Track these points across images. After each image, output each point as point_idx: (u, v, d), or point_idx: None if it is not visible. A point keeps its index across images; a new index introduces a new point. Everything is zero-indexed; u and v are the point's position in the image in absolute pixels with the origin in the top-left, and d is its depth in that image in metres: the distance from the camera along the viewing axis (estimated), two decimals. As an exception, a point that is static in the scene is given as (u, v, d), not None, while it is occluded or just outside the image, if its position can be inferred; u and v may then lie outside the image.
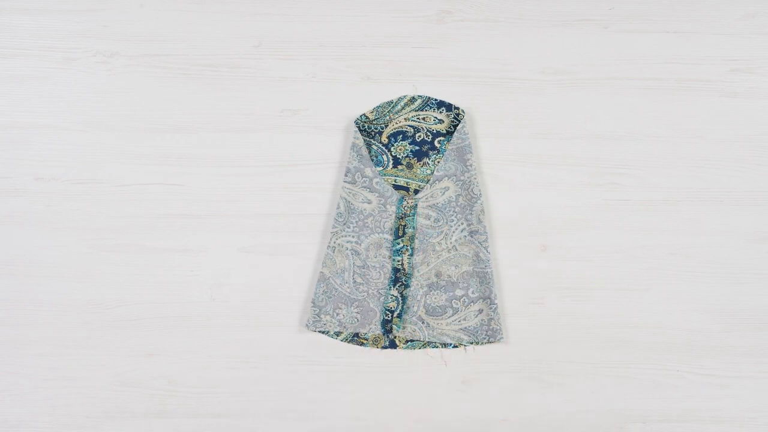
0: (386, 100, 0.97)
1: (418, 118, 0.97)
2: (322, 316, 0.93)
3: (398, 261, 0.94)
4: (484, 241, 0.93)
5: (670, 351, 0.94)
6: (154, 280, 0.95)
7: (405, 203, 0.94)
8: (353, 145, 0.95)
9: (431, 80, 0.99)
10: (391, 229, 0.95)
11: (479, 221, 0.94)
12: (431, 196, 0.95)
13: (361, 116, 0.97)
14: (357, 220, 0.95)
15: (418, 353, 0.94)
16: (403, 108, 0.97)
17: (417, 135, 0.97)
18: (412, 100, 0.97)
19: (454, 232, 0.94)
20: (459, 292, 0.94)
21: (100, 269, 0.96)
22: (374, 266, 0.94)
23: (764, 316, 0.95)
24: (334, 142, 0.98)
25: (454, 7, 1.01)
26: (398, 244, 0.94)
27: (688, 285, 0.96)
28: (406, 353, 0.94)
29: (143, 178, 0.97)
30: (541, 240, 0.96)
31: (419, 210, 0.95)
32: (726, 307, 0.95)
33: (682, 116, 0.99)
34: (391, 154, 0.96)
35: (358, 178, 0.95)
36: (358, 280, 0.94)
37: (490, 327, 0.92)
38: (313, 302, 0.93)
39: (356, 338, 0.94)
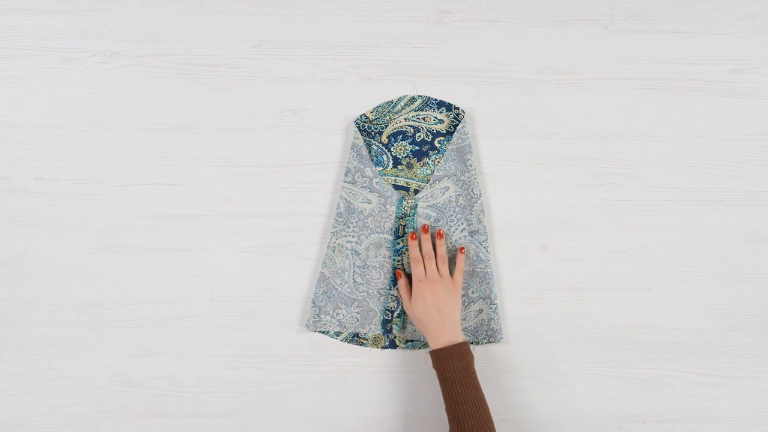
0: (386, 100, 0.97)
1: (418, 118, 0.97)
2: (322, 316, 0.93)
3: (398, 261, 0.94)
4: (484, 241, 0.93)
5: (670, 351, 0.94)
6: (154, 280, 0.95)
7: (405, 203, 0.94)
8: (353, 145, 0.95)
9: (431, 80, 0.99)
10: (391, 229, 0.95)
11: (479, 221, 0.94)
12: (431, 196, 0.95)
13: (361, 116, 0.97)
14: (357, 220, 0.95)
15: (419, 353, 0.94)
16: (403, 108, 0.97)
17: (417, 135, 0.97)
18: (412, 100, 0.97)
19: (454, 232, 0.94)
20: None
21: (100, 269, 0.96)
22: (374, 266, 0.94)
23: (764, 316, 0.95)
24: (334, 142, 0.98)
25: (454, 7, 1.01)
26: (398, 244, 0.94)
27: (688, 285, 0.96)
28: (406, 353, 0.94)
29: (143, 178, 0.97)
30: (541, 240, 0.96)
31: (419, 210, 0.95)
32: (726, 307, 0.95)
33: (682, 116, 0.99)
34: (391, 154, 0.96)
35: (358, 178, 0.95)
36: (358, 280, 0.94)
37: (490, 327, 0.92)
38: (313, 302, 0.93)
39: (356, 338, 0.94)
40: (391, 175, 0.96)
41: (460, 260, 0.92)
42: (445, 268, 0.90)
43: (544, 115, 0.99)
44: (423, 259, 0.91)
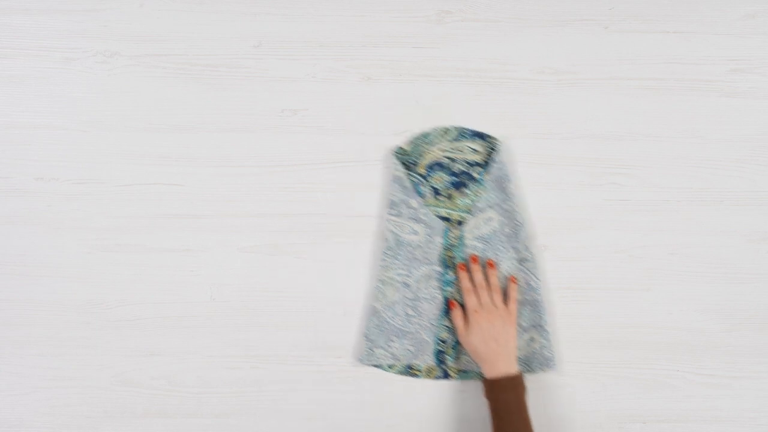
0: (420, 132, 0.96)
1: (453, 149, 0.96)
2: (376, 350, 0.92)
3: (449, 292, 0.93)
4: (533, 269, 0.93)
5: (670, 351, 0.94)
6: (154, 280, 0.95)
7: (451, 234, 0.93)
8: (395, 178, 0.94)
9: (431, 80, 0.99)
10: (439, 260, 0.94)
11: (526, 249, 0.93)
12: (476, 228, 0.94)
13: (397, 148, 0.96)
14: (405, 252, 0.93)
15: (471, 383, 0.93)
16: (437, 139, 0.96)
17: (454, 166, 0.95)
18: (447, 131, 0.96)
19: (502, 261, 0.93)
20: None
21: (100, 269, 0.96)
22: (425, 298, 0.93)
23: (764, 316, 0.95)
24: (334, 142, 0.98)
25: (454, 7, 1.01)
26: (447, 274, 0.93)
27: (688, 285, 0.96)
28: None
29: (143, 178, 0.97)
30: (541, 240, 0.96)
31: (466, 242, 0.94)
32: (726, 307, 0.95)
33: (682, 116, 0.99)
34: (430, 186, 0.95)
35: (404, 209, 0.94)
36: (410, 312, 0.93)
37: (543, 355, 0.91)
38: (366, 337, 0.92)
39: (409, 370, 0.93)
40: (432, 206, 0.94)
41: (513, 290, 0.91)
42: (498, 297, 0.90)
43: (544, 115, 0.99)
44: (475, 289, 0.90)
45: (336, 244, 0.96)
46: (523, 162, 0.98)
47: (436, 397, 0.93)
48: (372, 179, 0.97)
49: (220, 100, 0.99)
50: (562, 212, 0.97)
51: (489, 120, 0.98)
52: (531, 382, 0.91)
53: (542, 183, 0.97)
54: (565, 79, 0.99)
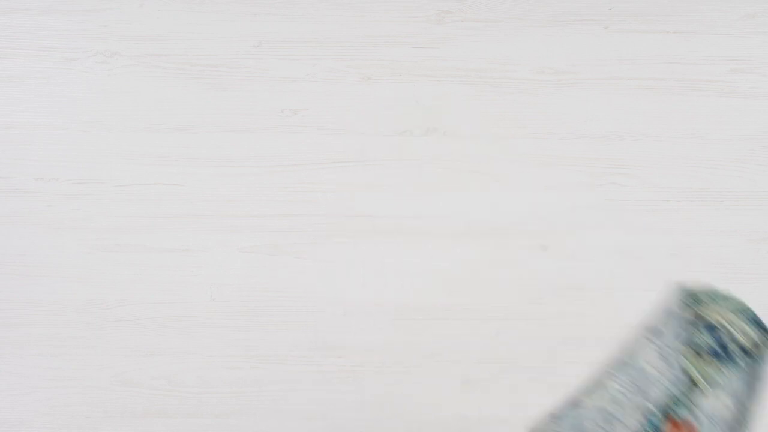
0: (716, 287, 0.95)
1: (730, 322, 0.94)
2: None
3: None
4: None
5: (670, 351, 0.94)
6: (154, 280, 0.95)
7: (683, 389, 0.92)
8: (669, 311, 0.93)
9: (431, 80, 0.99)
10: (658, 403, 0.92)
11: None
12: (708, 402, 0.92)
13: (687, 288, 0.94)
14: (635, 375, 0.93)
15: None
16: (723, 303, 0.94)
17: (721, 335, 0.94)
18: (734, 302, 0.95)
19: None
20: None
21: (100, 269, 0.96)
22: (624, 424, 0.92)
23: (764, 316, 0.95)
24: (334, 142, 0.98)
25: (454, 7, 1.01)
26: (657, 420, 0.92)
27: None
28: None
29: (143, 178, 0.97)
30: (541, 240, 0.96)
31: (692, 409, 0.92)
32: (726, 307, 0.95)
33: (682, 116, 0.99)
34: (692, 338, 0.94)
35: (658, 341, 0.93)
36: (603, 425, 0.92)
37: None
38: (554, 417, 0.91)
39: None
40: (683, 355, 0.93)
41: None
42: None
43: (544, 115, 0.99)
44: None
45: (336, 244, 0.96)
46: (523, 162, 0.98)
47: (436, 397, 0.93)
48: (372, 179, 0.97)
49: (220, 100, 0.99)
50: (562, 212, 0.97)
51: (489, 120, 0.98)
52: None
53: (542, 183, 0.97)
54: (565, 79, 0.99)
